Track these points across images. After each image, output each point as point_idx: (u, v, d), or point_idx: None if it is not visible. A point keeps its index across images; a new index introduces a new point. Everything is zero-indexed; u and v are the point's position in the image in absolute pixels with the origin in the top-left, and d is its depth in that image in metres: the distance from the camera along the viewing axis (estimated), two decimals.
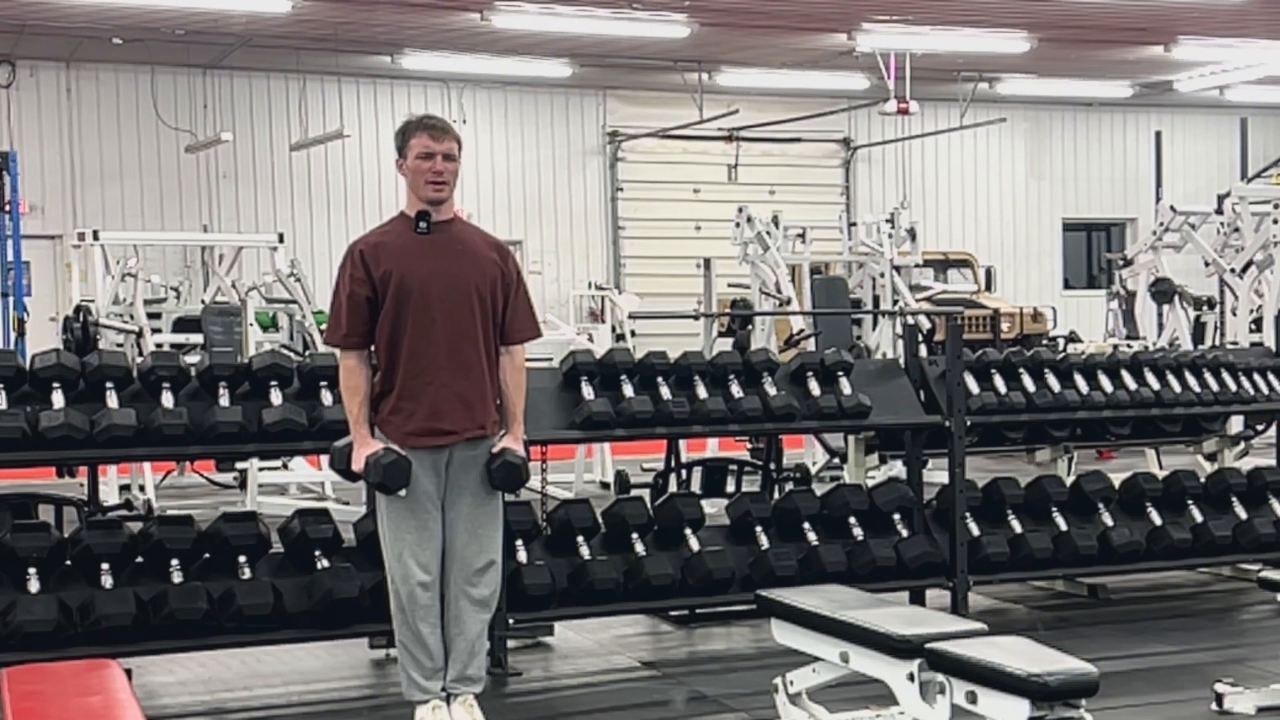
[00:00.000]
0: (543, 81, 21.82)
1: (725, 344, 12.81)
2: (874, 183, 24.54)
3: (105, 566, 5.76)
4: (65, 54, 19.42)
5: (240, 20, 17.47)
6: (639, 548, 6.54)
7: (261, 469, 11.02)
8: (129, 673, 4.53)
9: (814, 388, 6.89)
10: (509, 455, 5.29)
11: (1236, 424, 9.57)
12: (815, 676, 4.88)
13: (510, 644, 6.42)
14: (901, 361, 7.35)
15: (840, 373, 6.98)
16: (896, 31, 18.14)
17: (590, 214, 23.06)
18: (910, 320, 10.37)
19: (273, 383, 6.10)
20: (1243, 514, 7.72)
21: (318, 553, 6.08)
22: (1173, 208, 15.42)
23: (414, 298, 5.19)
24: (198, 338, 13.19)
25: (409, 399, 5.19)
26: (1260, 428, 10.37)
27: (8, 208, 13.38)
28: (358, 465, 5.19)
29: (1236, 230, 14.24)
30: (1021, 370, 7.44)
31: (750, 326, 13.12)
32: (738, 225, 14.30)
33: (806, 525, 6.87)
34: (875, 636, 4.53)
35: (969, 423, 7.11)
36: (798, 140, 23.49)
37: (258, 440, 6.05)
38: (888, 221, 14.87)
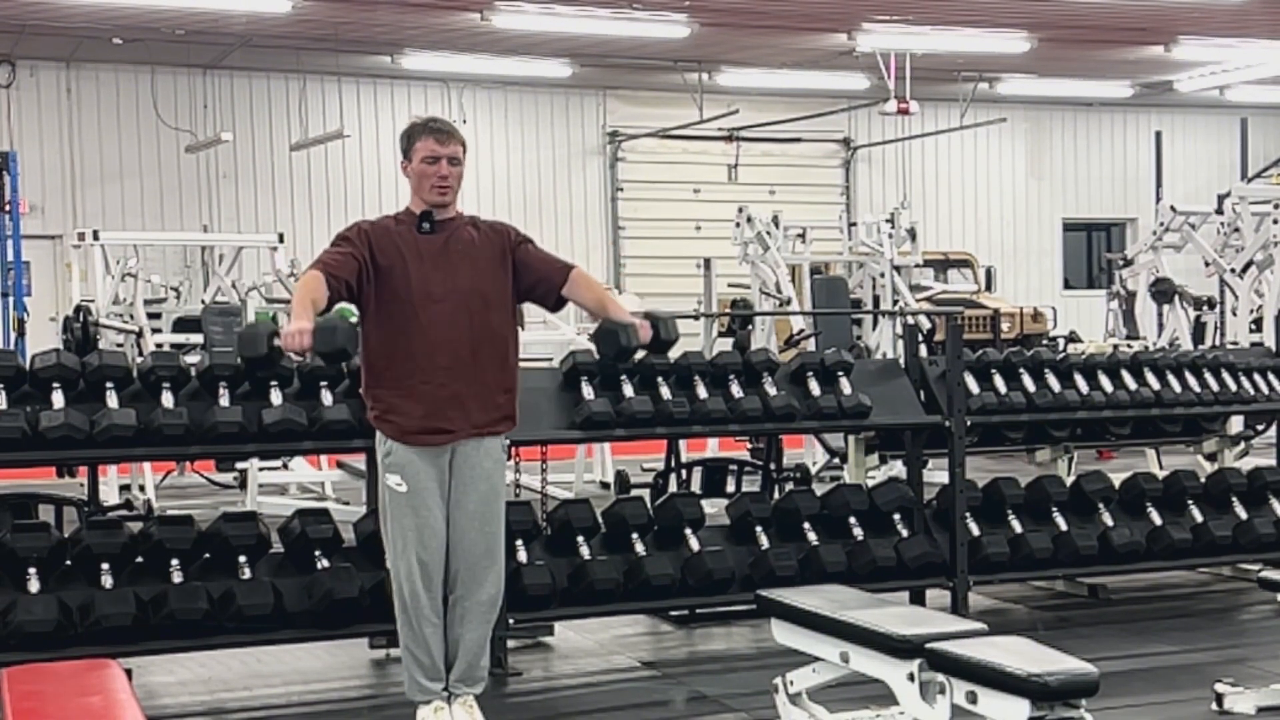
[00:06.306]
0: (543, 81, 21.81)
1: (725, 344, 12.82)
2: (874, 183, 24.53)
3: (105, 566, 5.76)
4: (65, 54, 19.41)
5: (240, 20, 17.46)
6: (639, 548, 6.53)
7: (261, 469, 11.01)
8: (129, 673, 4.52)
9: (814, 388, 6.89)
10: (606, 323, 5.32)
11: (1236, 424, 9.56)
12: (815, 676, 4.88)
13: (510, 644, 6.42)
14: (901, 361, 7.34)
15: (840, 373, 6.98)
16: (896, 31, 18.14)
17: (590, 214, 23.05)
18: (910, 320, 10.36)
19: (273, 383, 6.09)
20: (1243, 514, 7.71)
21: (318, 553, 6.08)
22: (1173, 208, 15.42)
23: (412, 297, 5.17)
24: (198, 338, 13.17)
25: (406, 398, 5.18)
26: (1260, 428, 10.36)
27: (8, 208, 13.38)
28: (296, 339, 4.86)
29: (1236, 230, 14.24)
30: (1021, 370, 7.43)
31: (750, 326, 13.13)
32: (738, 225, 14.29)
33: (806, 525, 6.86)
34: (875, 636, 4.52)
35: (969, 423, 7.11)
36: (798, 140, 23.48)
37: (258, 440, 6.04)
38: (888, 221, 14.86)
